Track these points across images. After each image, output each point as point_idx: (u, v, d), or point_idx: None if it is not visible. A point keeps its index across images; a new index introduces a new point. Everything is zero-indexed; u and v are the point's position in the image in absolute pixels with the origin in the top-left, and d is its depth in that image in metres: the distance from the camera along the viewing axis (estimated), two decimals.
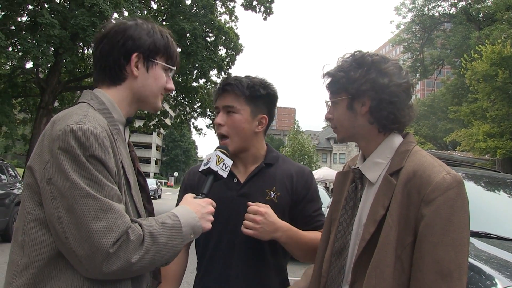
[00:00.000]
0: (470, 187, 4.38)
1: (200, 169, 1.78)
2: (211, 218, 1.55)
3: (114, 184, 1.31)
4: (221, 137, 1.96)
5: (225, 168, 1.74)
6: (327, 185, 27.82)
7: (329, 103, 1.70)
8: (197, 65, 19.94)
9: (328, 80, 1.67)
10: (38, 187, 1.28)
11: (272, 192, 1.96)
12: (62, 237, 1.23)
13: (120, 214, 1.26)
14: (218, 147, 1.84)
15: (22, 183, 11.44)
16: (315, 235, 1.95)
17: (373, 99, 1.56)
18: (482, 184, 4.59)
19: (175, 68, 1.60)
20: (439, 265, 1.37)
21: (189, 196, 1.59)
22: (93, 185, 1.24)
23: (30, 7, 17.36)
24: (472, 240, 3.30)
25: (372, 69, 1.57)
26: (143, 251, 1.28)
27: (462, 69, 20.73)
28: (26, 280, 1.26)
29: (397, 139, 1.62)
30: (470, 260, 2.86)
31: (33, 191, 1.30)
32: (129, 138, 1.60)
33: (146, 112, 21.83)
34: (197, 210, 1.50)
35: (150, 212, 1.57)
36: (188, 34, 19.04)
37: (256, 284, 1.92)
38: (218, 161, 1.73)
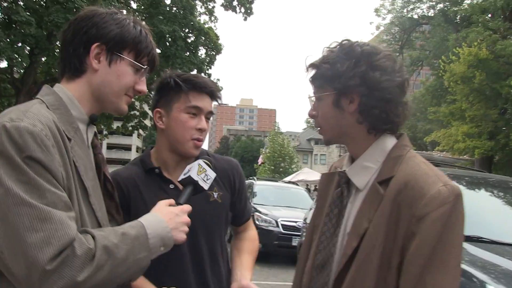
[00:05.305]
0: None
1: (179, 179, 1.62)
2: (186, 228, 1.39)
3: (59, 189, 1.14)
4: (198, 141, 1.82)
5: (207, 179, 1.59)
6: (309, 186, 27.78)
7: (313, 98, 1.51)
8: (177, 66, 19.72)
9: (312, 72, 1.48)
10: None
11: (214, 193, 1.87)
12: None
13: (62, 225, 1.09)
14: (201, 158, 1.69)
15: None
16: (252, 246, 2.01)
17: (362, 95, 1.38)
18: (468, 184, 4.52)
19: (146, 67, 1.41)
20: None
21: (162, 203, 1.41)
22: (31, 190, 1.08)
23: (4, 4, 16.92)
24: (465, 245, 3.22)
25: (361, 61, 1.38)
26: (93, 268, 1.11)
27: (441, 71, 20.90)
28: None
29: (390, 141, 1.44)
30: (462, 266, 2.77)
31: None
32: (96, 138, 1.43)
33: None
34: (169, 219, 1.34)
35: (119, 223, 1.38)
36: (167, 36, 18.82)
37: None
38: (200, 171, 1.58)
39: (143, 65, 1.40)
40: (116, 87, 1.36)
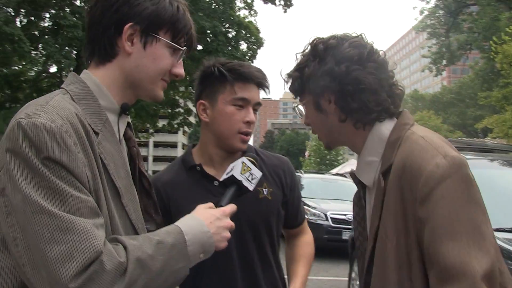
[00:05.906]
0: None
1: (221, 179, 1.50)
2: (228, 234, 1.22)
3: (84, 193, 1.00)
4: (246, 135, 1.71)
5: (252, 179, 1.46)
6: None
7: (300, 107, 1.46)
8: None
9: (290, 82, 1.44)
10: None
11: (264, 189, 1.73)
12: (20, 264, 0.97)
13: (87, 235, 0.95)
14: (245, 155, 1.56)
15: None
16: (306, 250, 1.90)
17: (336, 92, 1.31)
18: None
19: (184, 48, 1.24)
20: (450, 274, 1.05)
21: (201, 207, 1.26)
22: (52, 196, 0.95)
23: (52, 11, 17.48)
24: None
25: (327, 57, 1.32)
26: (125, 283, 0.97)
27: (492, 53, 20.00)
28: None
29: (386, 126, 1.32)
30: None
31: None
32: (130, 130, 1.30)
33: (170, 110, 21.91)
34: (210, 223, 1.18)
35: (158, 224, 1.26)
36: (208, 32, 18.88)
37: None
38: (244, 170, 1.45)
39: (181, 46, 1.24)
40: (152, 71, 1.21)
